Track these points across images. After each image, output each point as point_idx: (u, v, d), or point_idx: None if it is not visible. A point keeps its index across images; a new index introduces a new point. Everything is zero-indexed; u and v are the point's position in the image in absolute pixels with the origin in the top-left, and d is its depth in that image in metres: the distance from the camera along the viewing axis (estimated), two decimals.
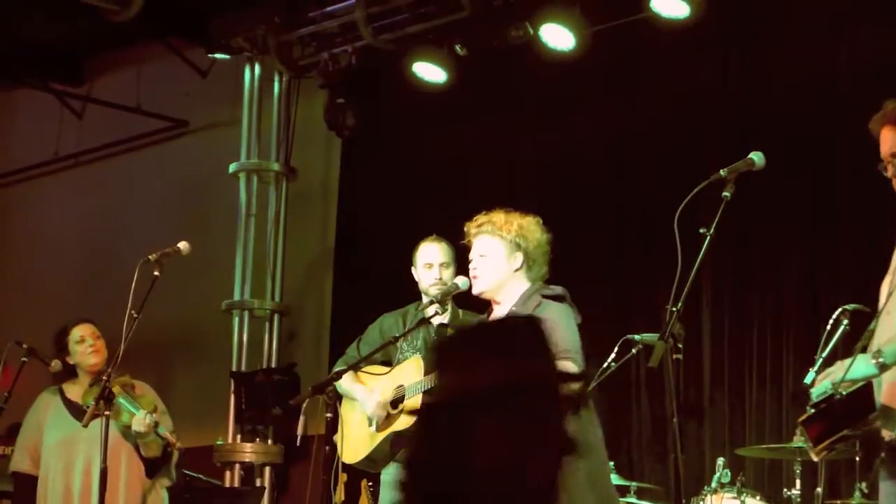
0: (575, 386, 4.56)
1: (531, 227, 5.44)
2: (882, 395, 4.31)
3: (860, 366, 4.26)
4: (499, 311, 5.43)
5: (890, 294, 4.51)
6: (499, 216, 5.45)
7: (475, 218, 5.55)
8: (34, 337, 7.61)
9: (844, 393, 4.24)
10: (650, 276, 8.77)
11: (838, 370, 4.30)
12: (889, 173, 4.63)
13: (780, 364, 8.28)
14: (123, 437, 6.79)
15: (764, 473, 8.06)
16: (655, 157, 9.07)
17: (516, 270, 5.37)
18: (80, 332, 7.01)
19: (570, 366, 5.03)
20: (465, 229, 5.55)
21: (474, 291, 5.45)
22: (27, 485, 7.03)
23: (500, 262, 5.37)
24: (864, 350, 4.44)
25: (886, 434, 4.41)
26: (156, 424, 6.69)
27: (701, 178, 4.94)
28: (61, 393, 7.08)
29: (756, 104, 8.67)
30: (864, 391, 4.26)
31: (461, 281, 5.71)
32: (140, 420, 6.66)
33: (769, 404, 8.28)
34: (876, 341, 4.43)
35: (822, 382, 4.36)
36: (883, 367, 4.25)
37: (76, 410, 6.89)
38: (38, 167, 13.13)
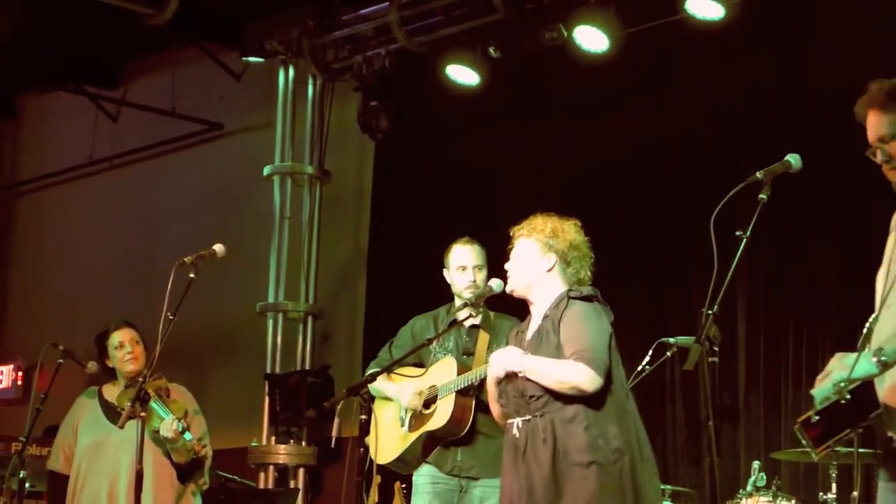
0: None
1: (565, 229, 5.47)
2: (884, 395, 4.21)
3: (862, 365, 4.17)
4: (534, 312, 5.44)
5: (889, 287, 4.43)
6: (537, 219, 5.50)
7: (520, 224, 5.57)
8: (70, 339, 7.65)
9: (849, 397, 4.15)
10: (685, 278, 8.74)
11: (839, 370, 4.22)
12: (878, 159, 4.56)
13: (815, 367, 8.21)
14: (154, 441, 6.79)
15: (799, 477, 8.02)
16: (690, 160, 9.04)
17: (548, 271, 5.40)
18: (119, 337, 7.04)
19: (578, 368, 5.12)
20: (511, 234, 5.57)
21: (507, 290, 5.49)
22: (60, 484, 7.08)
23: (533, 262, 5.40)
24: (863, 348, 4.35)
25: (887, 434, 4.33)
26: (183, 431, 6.69)
27: (737, 180, 4.92)
28: (99, 394, 7.13)
29: (792, 106, 8.63)
30: (865, 390, 4.16)
31: (495, 283, 5.72)
32: (167, 426, 6.66)
33: (805, 407, 8.21)
34: (876, 338, 4.34)
35: (823, 384, 4.27)
36: (885, 366, 4.14)
37: (111, 412, 6.91)
38: (74, 170, 13.21)
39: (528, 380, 5.23)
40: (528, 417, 5.23)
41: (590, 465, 5.09)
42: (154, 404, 6.67)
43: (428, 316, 6.74)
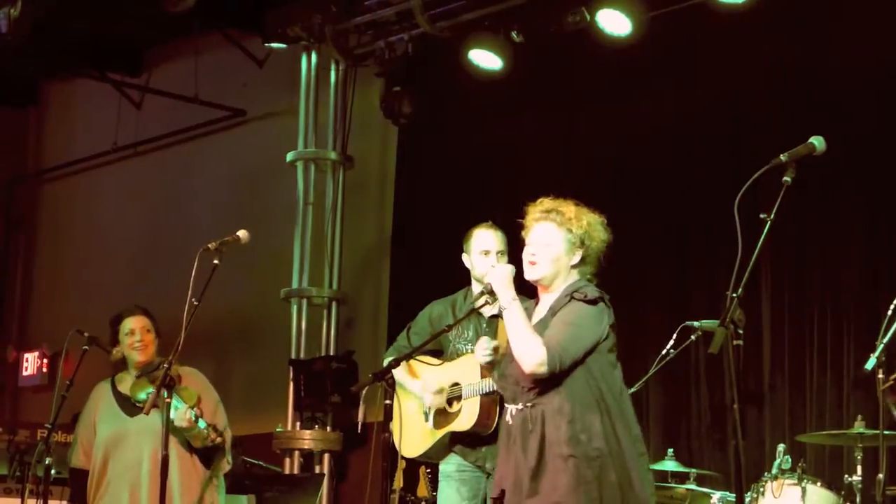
0: None
1: (597, 227, 5.44)
2: None
3: None
4: (544, 300, 5.43)
5: None
6: (569, 208, 5.43)
7: (541, 201, 5.49)
8: (94, 326, 7.66)
9: None
10: (709, 262, 8.72)
11: None
12: None
13: (840, 350, 8.22)
14: (170, 431, 6.74)
15: (825, 460, 8.01)
16: (714, 142, 9.01)
17: (572, 266, 5.38)
18: (130, 324, 6.97)
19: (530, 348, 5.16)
20: (528, 210, 5.49)
21: (530, 277, 5.40)
22: (81, 479, 7.04)
23: (562, 254, 5.36)
24: None
25: None
26: (196, 419, 6.69)
27: (760, 163, 4.91)
28: (112, 385, 7.07)
29: (815, 88, 8.59)
30: None
31: (509, 269, 5.64)
32: (181, 416, 6.58)
33: (830, 390, 8.22)
34: None
35: None
36: None
37: (126, 404, 6.90)
38: (98, 157, 13.24)
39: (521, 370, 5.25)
40: (521, 406, 5.28)
41: (568, 459, 5.13)
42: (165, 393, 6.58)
43: (445, 301, 6.71)
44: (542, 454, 5.17)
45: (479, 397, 6.29)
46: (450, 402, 6.43)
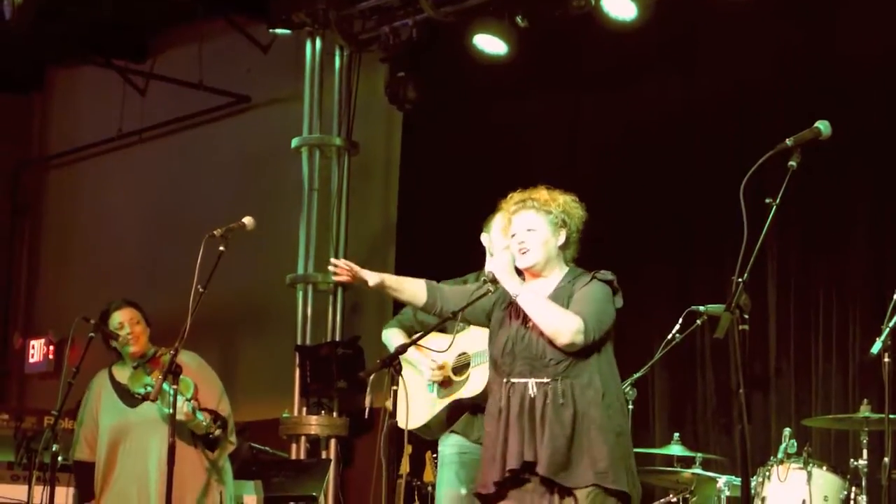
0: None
1: (572, 204, 5.55)
2: None
3: None
4: (539, 286, 5.48)
5: None
6: (541, 193, 5.53)
7: (511, 195, 5.59)
8: (100, 312, 7.67)
9: None
10: (715, 247, 8.72)
11: None
12: None
13: (846, 334, 8.23)
14: (164, 421, 6.70)
15: (830, 444, 8.02)
16: (719, 128, 9.00)
17: (560, 247, 5.46)
18: (119, 317, 6.99)
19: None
20: (501, 207, 5.63)
21: (524, 264, 5.48)
22: (88, 472, 7.05)
23: (549, 236, 5.45)
24: None
25: None
26: (194, 410, 6.67)
27: (765, 148, 4.90)
28: (110, 375, 7.08)
29: (821, 75, 8.58)
30: None
31: (510, 256, 5.67)
32: (178, 409, 6.48)
33: (836, 374, 8.23)
34: None
35: None
36: None
37: (125, 395, 6.90)
38: (103, 144, 13.24)
39: (550, 344, 5.31)
40: (546, 380, 5.32)
41: (606, 431, 5.26)
42: (165, 386, 6.53)
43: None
44: (576, 425, 5.25)
45: (487, 364, 6.29)
46: (457, 370, 6.42)
